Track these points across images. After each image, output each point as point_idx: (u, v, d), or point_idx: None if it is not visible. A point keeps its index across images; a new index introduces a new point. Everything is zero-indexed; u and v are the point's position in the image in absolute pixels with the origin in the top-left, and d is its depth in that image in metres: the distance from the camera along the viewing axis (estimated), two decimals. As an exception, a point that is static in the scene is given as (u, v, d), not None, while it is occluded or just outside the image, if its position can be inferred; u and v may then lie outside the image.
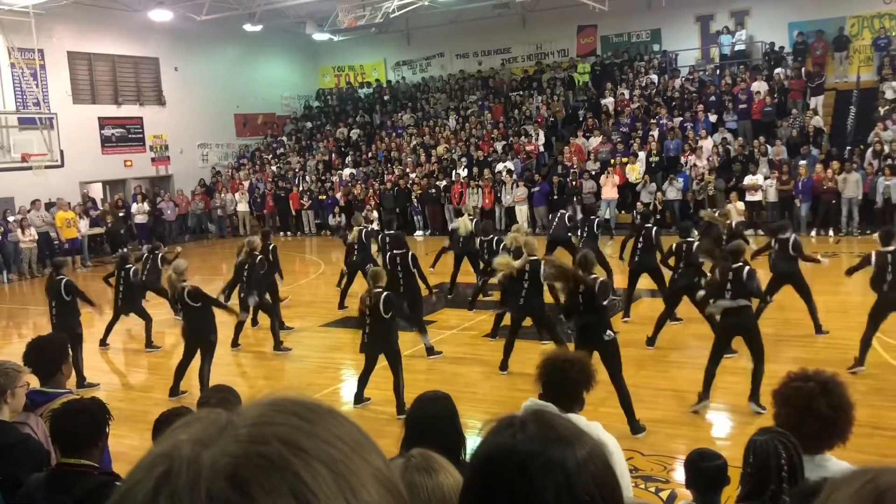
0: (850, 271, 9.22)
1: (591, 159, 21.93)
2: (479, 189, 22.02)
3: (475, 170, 22.99)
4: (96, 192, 24.17)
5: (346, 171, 25.27)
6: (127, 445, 6.50)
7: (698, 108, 22.11)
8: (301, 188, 25.11)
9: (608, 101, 24.05)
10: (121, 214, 22.67)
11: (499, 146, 24.07)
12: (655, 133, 21.70)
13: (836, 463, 3.07)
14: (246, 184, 25.84)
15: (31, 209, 20.07)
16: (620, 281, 12.06)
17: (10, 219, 19.59)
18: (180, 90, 26.07)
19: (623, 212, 21.03)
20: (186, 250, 21.34)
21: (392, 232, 13.43)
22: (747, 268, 7.69)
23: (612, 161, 21.42)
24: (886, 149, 18.61)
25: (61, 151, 19.44)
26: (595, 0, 22.86)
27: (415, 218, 23.11)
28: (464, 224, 13.52)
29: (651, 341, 9.92)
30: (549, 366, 3.69)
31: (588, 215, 13.14)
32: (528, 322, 9.45)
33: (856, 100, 21.18)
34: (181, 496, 0.63)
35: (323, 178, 25.44)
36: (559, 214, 13.97)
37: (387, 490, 0.71)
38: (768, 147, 19.91)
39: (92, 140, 23.54)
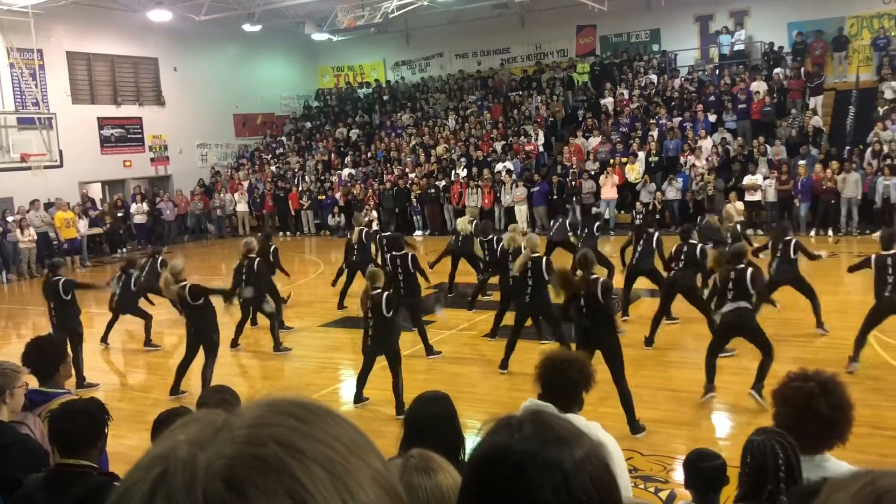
0: (851, 269, 9.23)
1: (591, 159, 21.93)
2: (479, 189, 22.02)
3: (474, 170, 22.98)
4: (95, 192, 24.16)
5: (346, 172, 25.26)
6: (126, 446, 6.49)
7: (697, 108, 22.12)
8: (300, 188, 25.11)
9: (607, 101, 24.04)
10: (120, 215, 22.69)
11: (498, 146, 24.06)
12: (655, 133, 21.69)
13: (835, 463, 3.06)
14: (245, 184, 25.82)
15: (30, 209, 20.07)
16: (620, 281, 12.04)
17: (10, 219, 19.59)
18: (179, 90, 26.06)
19: (623, 212, 21.04)
20: (186, 250, 21.38)
21: (390, 233, 13.43)
22: (750, 269, 7.69)
23: (612, 161, 21.40)
24: (886, 149, 18.61)
25: (60, 151, 19.41)
26: (594, 0, 22.86)
27: (414, 218, 23.11)
28: (463, 224, 13.54)
29: (649, 341, 9.92)
30: (548, 366, 3.69)
31: (589, 217, 13.16)
32: (528, 322, 9.46)
33: (855, 100, 21.19)
34: (177, 497, 0.63)
35: (322, 178, 25.43)
36: (559, 221, 14.03)
37: (385, 491, 0.70)
38: (767, 147, 19.90)
39: (91, 140, 23.54)
